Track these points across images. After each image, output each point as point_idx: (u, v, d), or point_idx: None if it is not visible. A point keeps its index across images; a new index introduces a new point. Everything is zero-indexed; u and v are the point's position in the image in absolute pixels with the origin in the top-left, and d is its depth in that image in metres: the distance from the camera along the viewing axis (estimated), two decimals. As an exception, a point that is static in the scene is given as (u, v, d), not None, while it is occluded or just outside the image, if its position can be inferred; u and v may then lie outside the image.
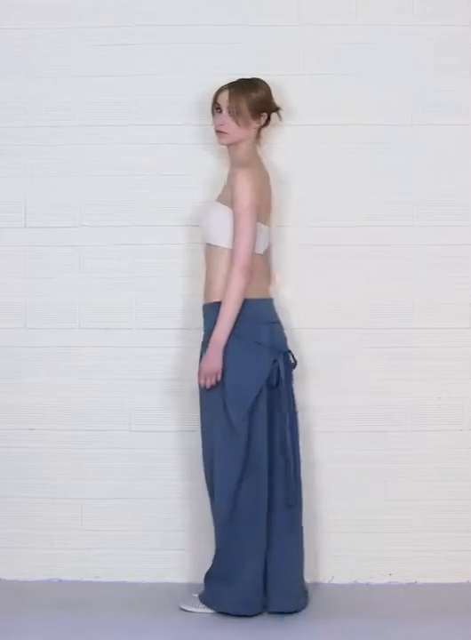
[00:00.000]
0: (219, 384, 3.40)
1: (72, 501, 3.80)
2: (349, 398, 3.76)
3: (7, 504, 3.81)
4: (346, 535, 3.77)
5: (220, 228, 3.49)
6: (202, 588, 3.52)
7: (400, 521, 3.77)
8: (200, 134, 3.76)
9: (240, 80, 3.55)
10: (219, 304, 3.43)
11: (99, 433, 3.80)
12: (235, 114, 3.50)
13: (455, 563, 3.77)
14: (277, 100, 3.59)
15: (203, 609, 3.48)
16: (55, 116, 3.79)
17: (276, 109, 3.59)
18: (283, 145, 3.74)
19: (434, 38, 3.76)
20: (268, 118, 3.58)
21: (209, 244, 3.52)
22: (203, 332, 3.51)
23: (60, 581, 3.80)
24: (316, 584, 3.75)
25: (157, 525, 3.78)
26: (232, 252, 3.45)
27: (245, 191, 3.42)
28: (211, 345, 3.40)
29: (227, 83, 3.54)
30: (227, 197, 3.49)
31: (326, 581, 3.76)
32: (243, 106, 3.50)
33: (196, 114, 3.76)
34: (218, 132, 3.54)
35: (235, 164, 3.55)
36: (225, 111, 3.51)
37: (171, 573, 3.75)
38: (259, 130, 3.58)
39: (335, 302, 3.76)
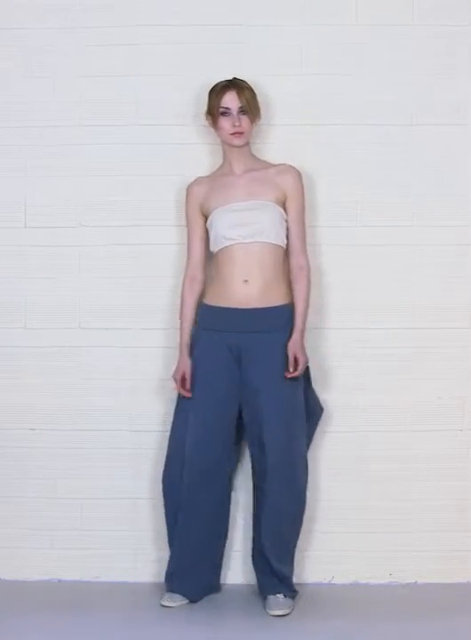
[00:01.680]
0: (299, 380, 3.53)
1: (72, 501, 3.80)
2: (349, 398, 3.76)
3: (7, 504, 3.81)
4: (346, 535, 3.77)
5: (276, 226, 3.54)
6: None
7: (400, 521, 3.77)
8: (200, 134, 3.76)
9: (230, 80, 3.55)
10: (286, 306, 3.53)
11: (99, 433, 3.80)
12: (249, 111, 3.52)
13: (455, 563, 3.77)
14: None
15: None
16: (55, 116, 3.79)
17: None
18: (282, 145, 3.74)
19: (434, 38, 3.76)
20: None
21: (263, 243, 3.51)
22: (251, 334, 3.50)
23: (60, 581, 3.80)
24: (316, 584, 3.75)
25: (157, 525, 3.77)
26: (297, 250, 3.57)
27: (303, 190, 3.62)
28: (301, 338, 3.54)
29: (218, 86, 3.53)
30: (273, 196, 3.54)
31: (326, 581, 3.76)
32: (253, 101, 3.54)
33: (197, 114, 3.75)
34: (234, 134, 3.53)
35: (252, 162, 3.60)
36: (235, 112, 3.51)
37: (171, 573, 3.75)
38: None
39: (335, 302, 3.76)
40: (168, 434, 3.72)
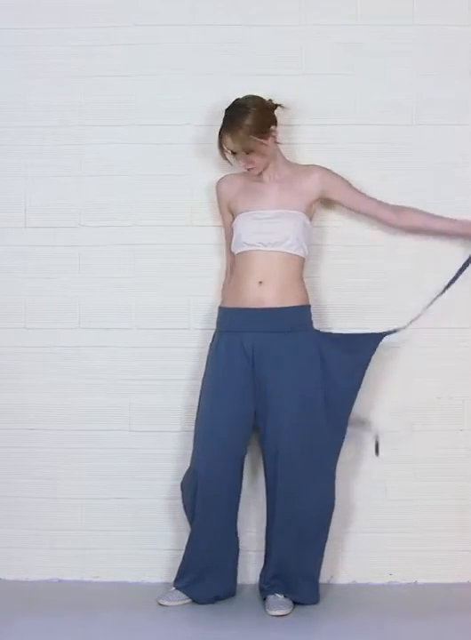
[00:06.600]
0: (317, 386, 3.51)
1: (72, 501, 3.80)
2: (349, 398, 3.76)
3: (7, 504, 3.81)
4: (346, 535, 3.77)
5: (299, 237, 3.52)
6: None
7: (400, 521, 3.77)
8: (200, 134, 3.76)
9: (229, 116, 3.46)
10: (302, 307, 3.52)
11: (99, 433, 3.80)
12: (250, 151, 3.47)
13: (455, 563, 3.77)
14: (274, 99, 3.58)
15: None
16: (55, 116, 3.79)
17: (275, 108, 3.55)
18: (282, 145, 3.73)
19: (434, 38, 3.76)
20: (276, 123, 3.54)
21: (283, 252, 3.50)
22: (249, 334, 3.49)
23: (60, 581, 3.80)
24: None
25: (157, 525, 3.78)
26: (381, 211, 3.62)
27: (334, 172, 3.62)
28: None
29: (222, 127, 3.47)
30: (302, 204, 3.54)
31: (326, 581, 3.76)
32: (250, 138, 3.44)
33: (197, 114, 3.76)
34: (249, 169, 3.54)
35: (283, 167, 3.58)
36: (241, 153, 3.48)
37: (171, 573, 3.73)
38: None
39: (335, 302, 3.76)
40: (168, 434, 3.74)
